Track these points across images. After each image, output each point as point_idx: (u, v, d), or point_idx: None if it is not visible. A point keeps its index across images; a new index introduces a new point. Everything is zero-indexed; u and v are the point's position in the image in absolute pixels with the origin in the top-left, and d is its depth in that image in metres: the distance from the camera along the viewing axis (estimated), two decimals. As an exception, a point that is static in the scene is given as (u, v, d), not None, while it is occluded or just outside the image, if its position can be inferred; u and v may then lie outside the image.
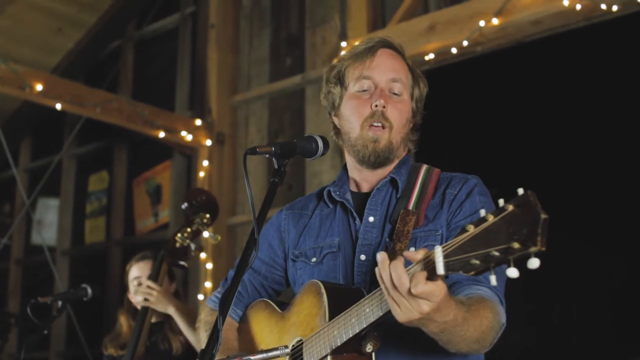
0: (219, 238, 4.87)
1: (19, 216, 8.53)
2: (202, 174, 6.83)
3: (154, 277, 4.46)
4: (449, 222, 2.50)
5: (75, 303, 4.69)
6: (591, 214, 4.88)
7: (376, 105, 2.57)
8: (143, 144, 7.87)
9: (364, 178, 2.71)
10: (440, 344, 2.18)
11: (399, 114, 2.61)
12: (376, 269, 2.02)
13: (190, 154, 7.22)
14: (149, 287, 4.39)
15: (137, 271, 4.64)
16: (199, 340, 3.12)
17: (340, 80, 2.71)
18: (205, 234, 4.72)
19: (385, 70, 2.63)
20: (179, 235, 4.59)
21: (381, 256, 2.02)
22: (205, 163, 6.85)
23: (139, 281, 4.58)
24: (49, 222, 8.95)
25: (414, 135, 2.75)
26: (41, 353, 8.11)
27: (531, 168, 5.05)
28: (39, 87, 5.93)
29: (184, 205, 4.71)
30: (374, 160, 2.61)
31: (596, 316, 4.92)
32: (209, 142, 6.87)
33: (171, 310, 4.37)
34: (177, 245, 4.59)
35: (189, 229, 4.63)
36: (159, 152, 7.62)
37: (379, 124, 2.56)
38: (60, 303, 4.54)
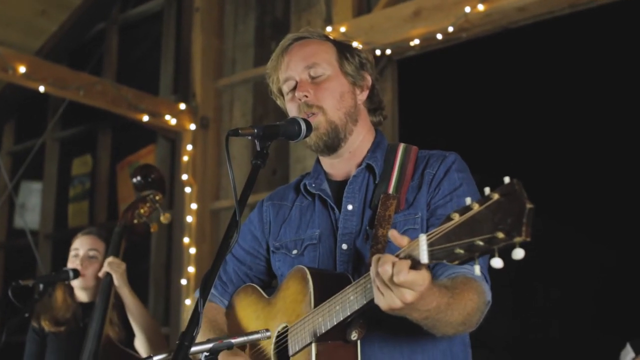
0: (170, 218, 4.84)
1: (1, 200, 8.48)
2: (185, 158, 6.80)
3: (114, 252, 4.41)
4: (428, 203, 2.48)
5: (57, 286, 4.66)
6: (578, 201, 4.90)
7: (298, 99, 2.59)
8: (127, 128, 7.82)
9: (333, 167, 2.71)
10: (425, 329, 2.18)
11: (328, 93, 2.59)
12: (373, 258, 2.01)
13: (174, 138, 7.18)
14: (115, 262, 4.35)
15: (77, 243, 4.63)
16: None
17: (278, 91, 2.76)
18: (162, 217, 4.67)
19: (297, 63, 2.64)
20: (136, 212, 4.58)
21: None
22: (189, 147, 6.81)
23: (76, 252, 4.58)
24: (32, 206, 8.91)
25: (372, 103, 2.73)
26: (23, 336, 8.07)
27: (517, 153, 5.07)
28: (22, 69, 5.89)
29: (137, 179, 4.68)
30: (323, 146, 2.60)
31: (582, 305, 4.94)
32: (193, 127, 6.84)
33: (126, 291, 4.33)
34: (135, 222, 4.57)
35: (146, 206, 4.62)
36: (142, 136, 7.58)
37: (311, 114, 2.56)
38: (42, 286, 4.53)
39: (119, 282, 4.30)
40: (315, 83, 2.60)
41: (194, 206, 6.68)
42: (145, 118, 6.63)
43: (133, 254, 4.66)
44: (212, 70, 7.04)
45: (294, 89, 2.63)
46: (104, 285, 4.32)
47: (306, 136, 2.49)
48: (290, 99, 2.65)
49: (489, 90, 5.39)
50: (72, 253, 4.61)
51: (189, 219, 6.66)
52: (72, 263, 4.57)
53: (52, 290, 4.57)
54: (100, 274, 4.36)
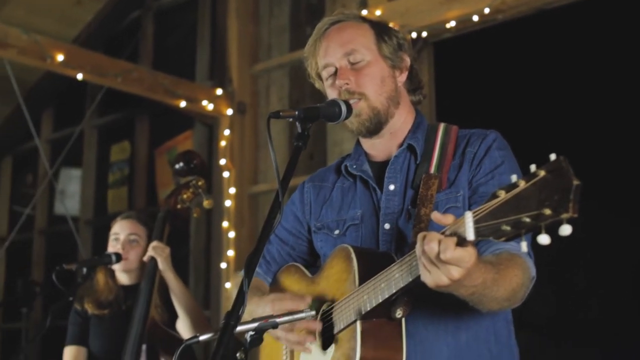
0: (212, 203, 4.85)
1: (41, 186, 8.59)
2: (223, 143, 6.85)
3: (158, 237, 4.47)
4: (470, 181, 2.50)
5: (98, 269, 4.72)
6: (616, 182, 4.87)
7: (339, 86, 2.59)
8: (164, 114, 7.88)
9: (375, 147, 2.72)
10: (470, 305, 2.20)
11: (369, 79, 2.60)
12: (418, 236, 2.02)
13: (211, 123, 7.23)
14: (159, 246, 4.41)
15: (117, 228, 4.66)
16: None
17: (317, 75, 2.76)
18: (205, 203, 4.71)
19: (335, 49, 2.64)
20: (179, 197, 4.62)
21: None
22: (227, 132, 6.86)
23: (116, 237, 4.62)
24: (71, 193, 9.02)
25: (412, 84, 2.74)
26: (66, 320, 8.15)
27: (555, 135, 5.04)
28: (60, 57, 5.94)
29: (179, 165, 4.71)
30: (365, 131, 2.63)
31: (620, 287, 4.92)
32: (230, 112, 6.88)
33: (170, 274, 4.38)
34: (179, 207, 4.62)
35: (189, 192, 4.66)
36: (180, 122, 7.64)
37: (353, 100, 2.56)
38: (85, 270, 4.60)
39: (164, 266, 4.35)
40: (355, 69, 2.61)
41: (232, 190, 6.73)
42: (183, 104, 6.67)
43: (173, 239, 4.70)
44: (248, 55, 7.07)
45: (334, 74, 2.64)
46: (149, 270, 4.37)
47: (346, 118, 2.51)
48: (330, 85, 2.66)
49: (525, 71, 5.37)
50: (112, 237, 4.65)
51: (228, 203, 6.71)
52: (112, 247, 4.61)
53: (94, 274, 4.63)
54: (145, 258, 4.42)
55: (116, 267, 4.61)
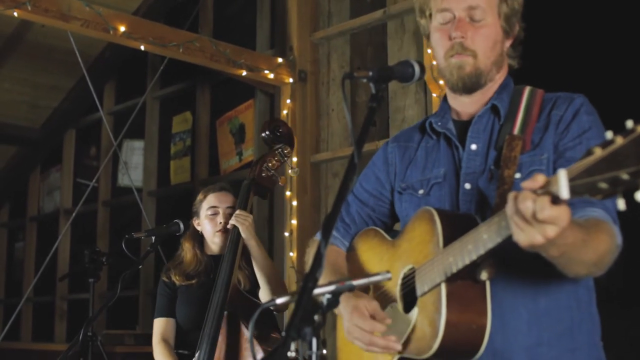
0: (298, 171, 4.88)
1: (106, 158, 8.69)
2: (285, 111, 6.84)
3: (242, 205, 4.50)
4: (555, 144, 2.44)
5: (166, 239, 4.77)
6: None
7: (454, 37, 2.53)
8: (225, 84, 7.91)
9: (462, 106, 2.67)
10: (558, 268, 2.15)
11: (483, 39, 2.54)
12: (509, 196, 1.97)
13: (272, 92, 7.23)
14: (242, 214, 4.44)
15: (214, 201, 4.65)
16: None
17: (425, 12, 2.67)
18: (290, 171, 4.74)
19: (461, 0, 2.57)
20: (264, 165, 4.63)
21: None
22: (288, 101, 6.85)
23: (215, 210, 4.62)
24: (134, 164, 9.11)
25: (514, 52, 2.68)
26: (131, 291, 8.29)
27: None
28: (122, 28, 5.96)
29: (265, 134, 4.73)
30: (462, 86, 2.57)
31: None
32: (291, 80, 6.87)
33: (253, 242, 4.41)
34: (263, 174, 4.63)
35: (273, 160, 4.67)
36: (241, 92, 7.65)
37: (462, 55, 2.52)
38: (153, 239, 4.64)
39: (246, 235, 4.38)
40: (473, 25, 2.55)
41: (294, 159, 6.72)
42: (244, 73, 6.67)
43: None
44: (308, 23, 7.03)
45: (449, 22, 2.57)
46: (232, 238, 4.42)
47: (419, 79, 2.46)
48: (439, 29, 2.60)
49: (608, 35, 5.21)
50: (209, 212, 4.64)
51: (290, 171, 6.71)
52: (211, 220, 4.61)
53: (181, 246, 4.71)
54: (229, 226, 4.46)
55: (215, 240, 4.62)
